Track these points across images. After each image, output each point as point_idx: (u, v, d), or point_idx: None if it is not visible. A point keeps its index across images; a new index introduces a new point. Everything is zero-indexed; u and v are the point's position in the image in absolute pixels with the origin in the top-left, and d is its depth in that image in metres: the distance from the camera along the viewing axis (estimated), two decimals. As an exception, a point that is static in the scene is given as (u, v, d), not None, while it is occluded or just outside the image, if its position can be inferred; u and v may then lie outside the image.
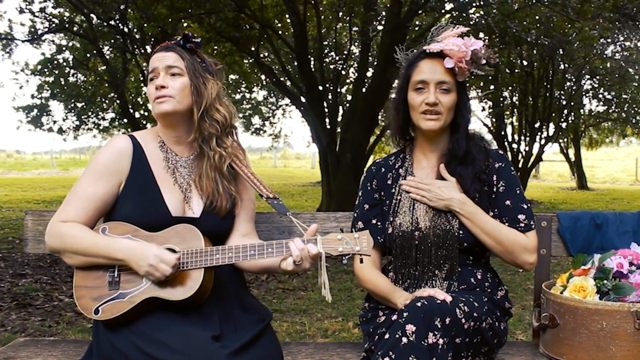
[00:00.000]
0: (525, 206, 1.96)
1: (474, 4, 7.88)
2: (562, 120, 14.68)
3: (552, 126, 14.42)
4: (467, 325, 1.71)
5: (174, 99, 1.83)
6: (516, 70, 13.18)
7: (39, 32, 10.32)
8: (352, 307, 4.46)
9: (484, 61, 1.96)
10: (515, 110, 15.00)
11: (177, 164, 1.91)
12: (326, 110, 9.92)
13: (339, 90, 11.54)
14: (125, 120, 11.40)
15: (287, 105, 17.06)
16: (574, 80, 14.22)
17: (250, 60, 11.36)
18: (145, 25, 8.78)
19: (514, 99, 14.88)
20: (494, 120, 15.09)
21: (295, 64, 10.30)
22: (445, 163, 1.99)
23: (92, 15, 9.14)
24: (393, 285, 1.95)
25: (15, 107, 12.95)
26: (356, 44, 11.38)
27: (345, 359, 2.02)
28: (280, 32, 10.32)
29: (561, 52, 11.31)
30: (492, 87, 12.02)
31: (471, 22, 7.78)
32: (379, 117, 10.28)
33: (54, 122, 12.94)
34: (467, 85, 2.09)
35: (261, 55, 10.91)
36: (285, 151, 38.31)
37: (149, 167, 1.86)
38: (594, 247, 2.20)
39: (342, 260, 1.69)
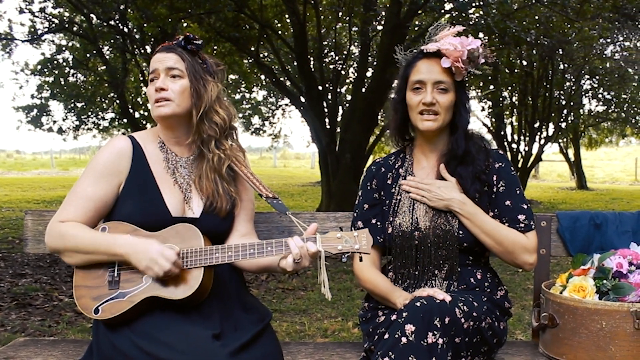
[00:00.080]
0: (525, 206, 1.96)
1: (473, 4, 7.88)
2: (562, 120, 14.69)
3: (551, 126, 14.44)
4: (466, 324, 1.72)
5: (173, 103, 1.83)
6: (516, 70, 13.19)
7: (39, 32, 10.31)
8: (351, 307, 4.46)
9: (481, 60, 1.95)
10: (514, 110, 15.01)
11: (177, 164, 1.91)
12: (326, 110, 9.92)
13: (338, 90, 11.55)
14: (125, 120, 11.40)
15: (286, 105, 17.08)
16: (573, 80, 14.24)
17: (250, 60, 11.36)
18: (145, 25, 8.78)
19: (514, 98, 14.89)
20: (493, 120, 15.10)
21: (295, 64, 10.31)
22: (445, 163, 1.99)
23: (91, 15, 9.14)
24: (392, 285, 1.95)
25: (15, 107, 12.96)
26: (356, 44, 11.38)
27: (344, 359, 2.02)
28: (279, 32, 10.32)
29: (561, 52, 11.32)
30: (491, 87, 12.03)
31: (471, 22, 7.78)
32: (379, 117, 10.28)
33: (54, 122, 12.94)
34: (467, 85, 2.09)
35: (261, 55, 10.91)
36: (285, 151, 38.32)
37: (148, 167, 1.86)
38: (594, 247, 2.20)
39: (341, 258, 1.70)
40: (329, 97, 10.30)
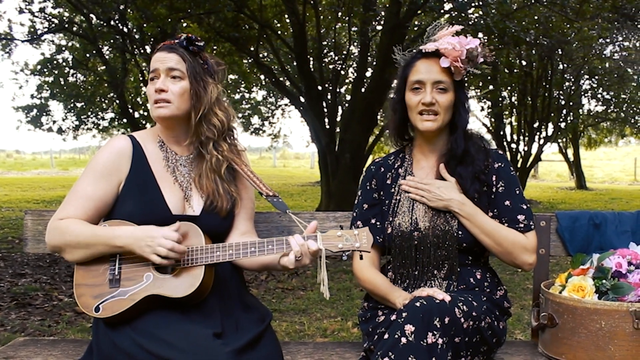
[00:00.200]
0: (524, 206, 1.96)
1: (472, 4, 7.88)
2: (561, 120, 14.70)
3: (551, 126, 14.44)
4: (466, 324, 1.72)
5: (173, 105, 1.83)
6: (515, 70, 13.20)
7: (39, 32, 10.31)
8: (351, 307, 4.46)
9: (480, 60, 1.95)
10: (514, 110, 15.01)
11: (177, 163, 1.91)
12: (325, 110, 9.92)
13: (338, 90, 11.55)
14: (125, 120, 11.39)
15: (286, 105, 17.08)
16: (572, 80, 14.25)
17: (250, 60, 11.36)
18: (144, 25, 8.78)
19: (513, 98, 14.89)
20: (493, 120, 15.10)
21: (295, 64, 10.31)
22: (445, 163, 1.99)
23: (91, 15, 9.14)
24: (392, 284, 1.95)
25: (15, 107, 12.96)
26: (355, 44, 11.38)
27: (344, 359, 2.02)
28: (279, 32, 10.32)
29: (560, 52, 11.34)
30: (491, 86, 12.03)
31: (470, 22, 7.78)
32: (378, 117, 10.28)
33: (54, 122, 12.94)
34: (466, 84, 2.09)
35: (260, 55, 10.91)
36: (285, 151, 38.29)
37: (148, 166, 1.87)
38: (593, 247, 2.20)
39: (342, 257, 1.70)
40: (329, 97, 10.30)
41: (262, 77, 13.24)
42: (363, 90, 9.41)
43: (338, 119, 11.04)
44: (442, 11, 8.00)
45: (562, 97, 14.32)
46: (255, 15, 8.96)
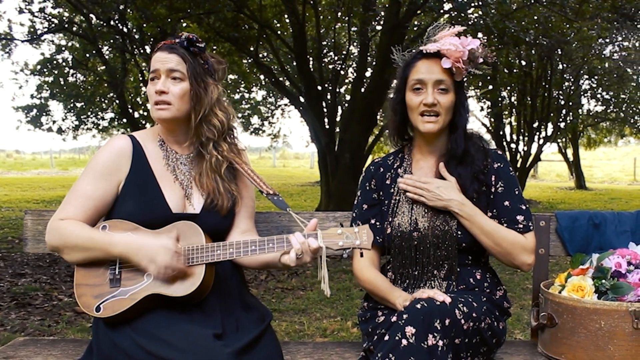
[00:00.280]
0: (523, 207, 1.96)
1: (472, 4, 7.88)
2: (561, 120, 14.70)
3: (550, 126, 14.44)
4: (466, 325, 1.72)
5: (173, 107, 1.83)
6: (515, 70, 13.19)
7: (39, 32, 10.31)
8: (351, 307, 4.47)
9: (481, 60, 1.95)
10: (513, 110, 15.01)
11: (178, 161, 1.92)
12: (325, 110, 9.93)
13: (337, 90, 11.55)
14: (125, 120, 11.39)
15: (286, 105, 17.08)
16: (572, 80, 14.25)
17: (249, 60, 11.36)
18: (144, 25, 8.78)
19: (513, 98, 14.89)
20: (492, 120, 15.10)
21: (294, 64, 10.32)
22: (445, 163, 1.98)
23: (91, 15, 9.14)
24: (391, 285, 1.94)
25: (15, 107, 12.96)
26: (355, 44, 11.38)
27: (344, 359, 2.02)
28: (279, 32, 10.32)
29: (560, 52, 11.34)
30: (490, 86, 12.04)
31: (470, 22, 7.79)
32: (378, 117, 10.28)
33: (54, 122, 12.94)
34: (466, 84, 2.09)
35: (260, 55, 10.91)
36: (284, 151, 38.28)
37: (149, 166, 1.87)
38: (592, 247, 2.20)
39: (342, 255, 1.70)
40: (328, 97, 10.31)
41: (262, 77, 13.25)
42: (363, 90, 9.41)
43: (338, 119, 11.05)
44: (441, 11, 8.01)
45: (561, 97, 14.32)
46: (255, 15, 8.96)
